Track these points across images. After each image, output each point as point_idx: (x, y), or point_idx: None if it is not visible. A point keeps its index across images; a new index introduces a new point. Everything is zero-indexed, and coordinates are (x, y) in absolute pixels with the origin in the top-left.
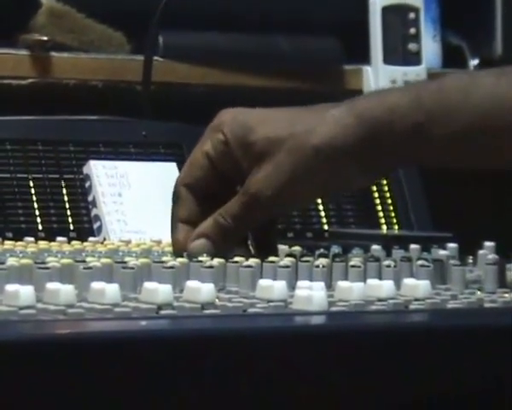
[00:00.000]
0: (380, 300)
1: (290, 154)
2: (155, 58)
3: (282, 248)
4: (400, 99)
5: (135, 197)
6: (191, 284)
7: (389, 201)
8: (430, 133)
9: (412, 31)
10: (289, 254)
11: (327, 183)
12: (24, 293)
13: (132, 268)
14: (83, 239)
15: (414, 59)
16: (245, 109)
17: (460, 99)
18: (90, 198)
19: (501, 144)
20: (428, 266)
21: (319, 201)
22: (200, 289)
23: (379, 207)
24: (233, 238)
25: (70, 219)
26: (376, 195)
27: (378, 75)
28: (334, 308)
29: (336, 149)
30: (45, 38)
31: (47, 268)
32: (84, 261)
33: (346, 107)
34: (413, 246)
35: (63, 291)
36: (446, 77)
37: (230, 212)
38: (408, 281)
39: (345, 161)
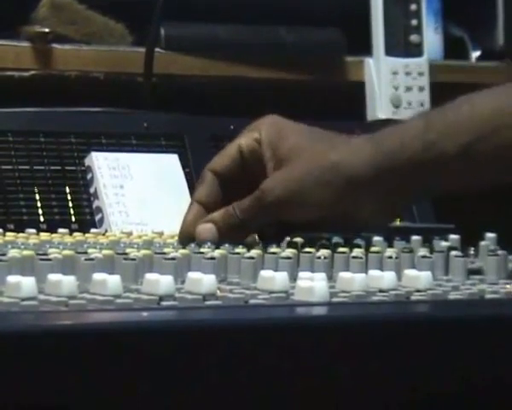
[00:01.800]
0: (381, 291)
1: (308, 162)
2: (157, 50)
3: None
4: (411, 123)
5: (136, 189)
6: (193, 275)
7: None
8: (441, 150)
9: (414, 22)
10: (291, 245)
11: (338, 201)
12: (26, 284)
13: (134, 259)
14: (84, 231)
15: (416, 50)
16: (286, 120)
17: (467, 111)
18: (91, 190)
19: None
20: (430, 258)
21: None
22: (202, 281)
23: None
24: (239, 231)
25: (72, 211)
26: None
27: (380, 67)
28: (335, 299)
29: (353, 169)
30: (47, 30)
31: (49, 260)
32: (85, 253)
33: (367, 136)
34: (415, 237)
35: (65, 283)
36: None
37: (241, 205)
38: (409, 272)
39: (359, 184)
